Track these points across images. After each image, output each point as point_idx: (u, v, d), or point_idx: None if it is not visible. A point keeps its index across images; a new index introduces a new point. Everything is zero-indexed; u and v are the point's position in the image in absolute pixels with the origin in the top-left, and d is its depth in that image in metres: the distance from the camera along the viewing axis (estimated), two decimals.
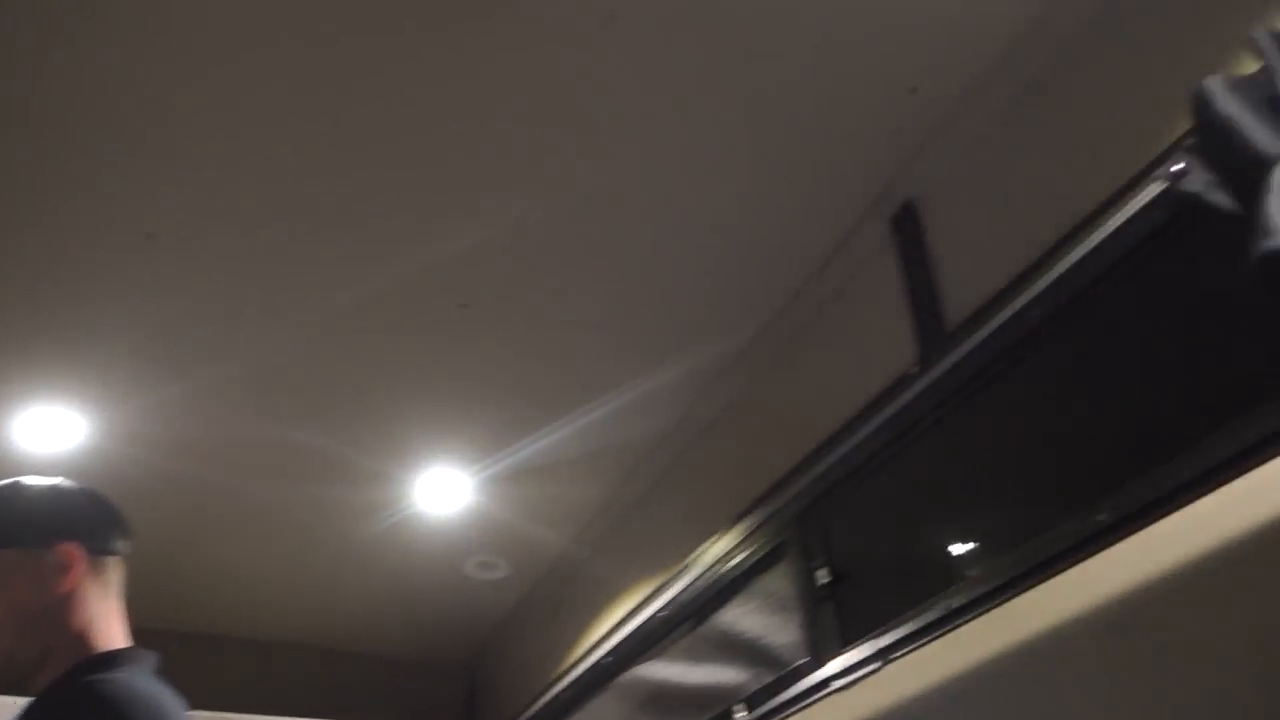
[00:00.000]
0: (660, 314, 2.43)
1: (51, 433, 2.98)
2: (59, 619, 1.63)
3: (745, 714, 1.69)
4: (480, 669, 4.35)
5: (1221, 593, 1.02)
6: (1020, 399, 1.42)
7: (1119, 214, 1.29)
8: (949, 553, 1.45)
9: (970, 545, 1.41)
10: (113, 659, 1.61)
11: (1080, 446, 1.30)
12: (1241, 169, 1.02)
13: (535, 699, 2.64)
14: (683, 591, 2.04)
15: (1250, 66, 1.10)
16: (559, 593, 3.48)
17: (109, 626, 1.70)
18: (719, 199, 2.12)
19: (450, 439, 2.96)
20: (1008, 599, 1.24)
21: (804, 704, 1.56)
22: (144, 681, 1.58)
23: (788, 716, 1.60)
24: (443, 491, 3.15)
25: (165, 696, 1.57)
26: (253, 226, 2.22)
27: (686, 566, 2.08)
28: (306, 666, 4.23)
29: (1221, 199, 1.08)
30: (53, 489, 1.71)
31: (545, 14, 1.71)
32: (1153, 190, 1.24)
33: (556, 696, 2.51)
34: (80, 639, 1.63)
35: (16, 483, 1.69)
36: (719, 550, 1.96)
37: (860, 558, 1.62)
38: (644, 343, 2.52)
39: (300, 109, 1.91)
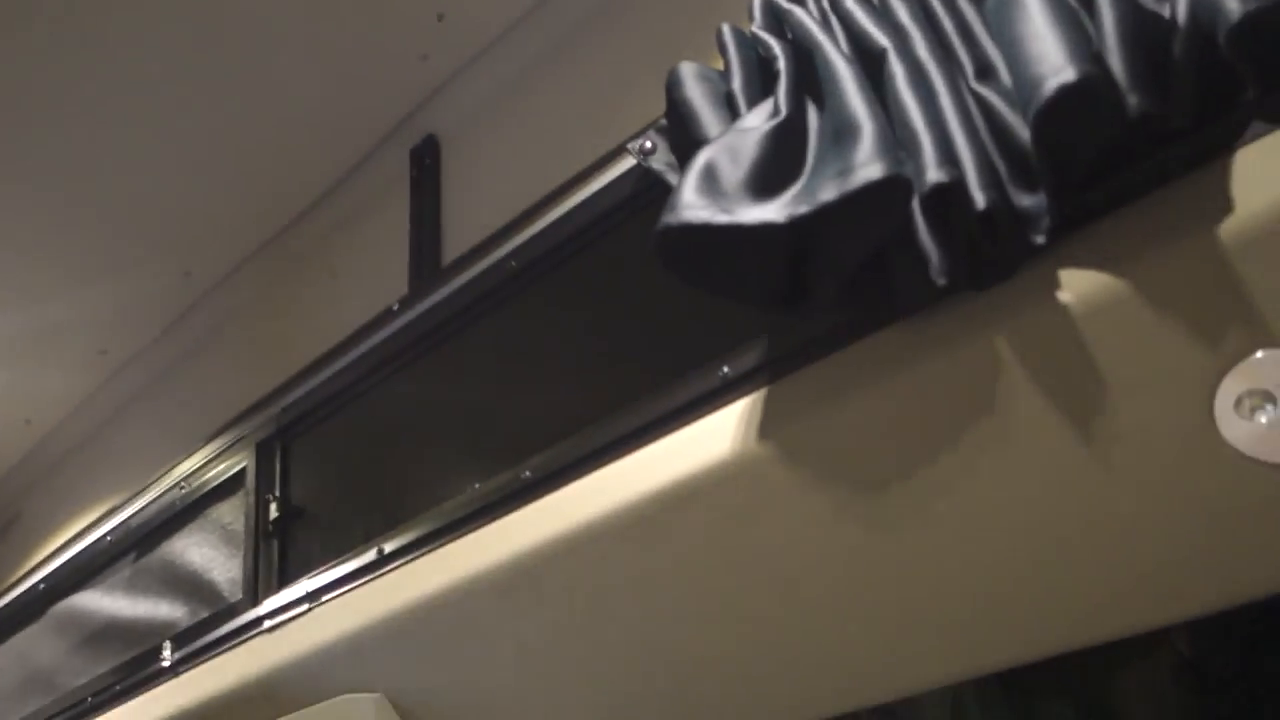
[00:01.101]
0: (152, 207, 2.16)
1: None
2: None
3: (169, 653, 1.56)
4: None
5: (623, 547, 1.07)
6: (491, 347, 1.41)
7: (598, 180, 1.31)
8: (401, 495, 1.42)
9: (421, 489, 1.38)
10: None
11: (534, 398, 1.31)
12: (689, 153, 1.05)
13: None
14: (134, 515, 1.84)
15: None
16: (13, 507, 3.05)
17: None
18: (230, 104, 1.92)
19: None
20: (437, 547, 1.23)
21: (232, 644, 1.47)
22: None
23: (215, 656, 1.49)
24: None
25: None
26: None
27: (147, 487, 1.89)
28: None
29: (675, 179, 1.12)
30: None
31: None
32: (627, 163, 1.27)
33: None
34: None
35: None
36: (181, 472, 1.79)
37: (316, 494, 1.54)
38: (135, 235, 2.24)
39: None
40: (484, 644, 1.20)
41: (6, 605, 2.11)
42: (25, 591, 2.05)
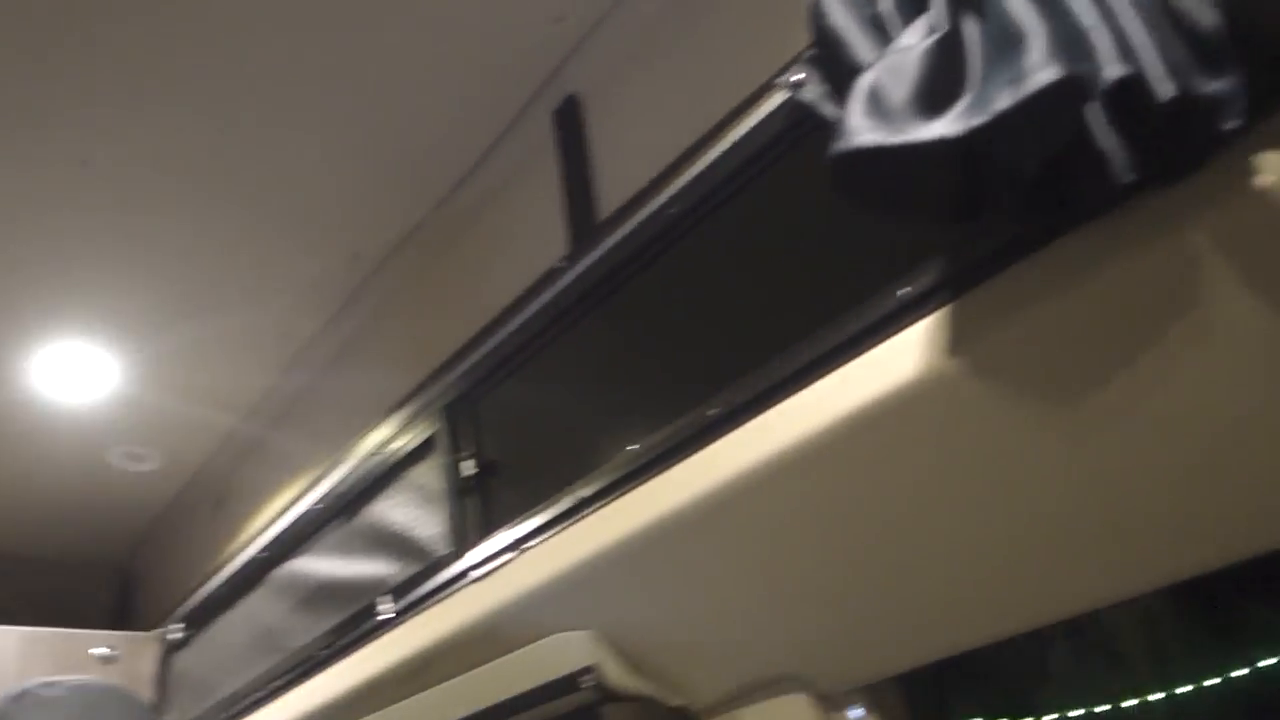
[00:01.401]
0: (319, 197, 2.28)
1: None
2: None
3: (389, 606, 1.68)
4: (134, 566, 4.09)
5: (816, 473, 1.10)
6: (660, 293, 1.45)
7: (751, 118, 1.32)
8: (591, 441, 1.48)
9: (611, 434, 1.43)
10: None
11: (708, 339, 1.35)
12: (843, 80, 1.06)
13: (188, 596, 2.50)
14: (338, 485, 1.98)
15: None
16: (220, 486, 3.30)
17: None
18: (379, 88, 2.01)
19: (85, 315, 2.66)
20: (631, 488, 1.28)
21: (443, 595, 1.57)
22: None
23: (428, 607, 1.60)
24: (80, 372, 2.84)
25: None
26: None
27: (342, 459, 2.02)
28: None
29: (830, 109, 1.12)
30: None
31: None
32: (779, 98, 1.28)
33: (211, 594, 2.39)
34: None
35: None
36: (374, 442, 1.91)
37: (508, 449, 1.62)
38: (302, 226, 2.37)
39: None
40: (686, 575, 1.25)
41: (235, 573, 2.30)
42: (249, 560, 2.23)
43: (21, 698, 1.22)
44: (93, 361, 2.81)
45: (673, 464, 1.21)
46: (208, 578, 2.41)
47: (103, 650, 2.27)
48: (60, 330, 2.69)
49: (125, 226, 2.33)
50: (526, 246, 1.99)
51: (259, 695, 2.11)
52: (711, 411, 1.18)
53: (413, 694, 1.70)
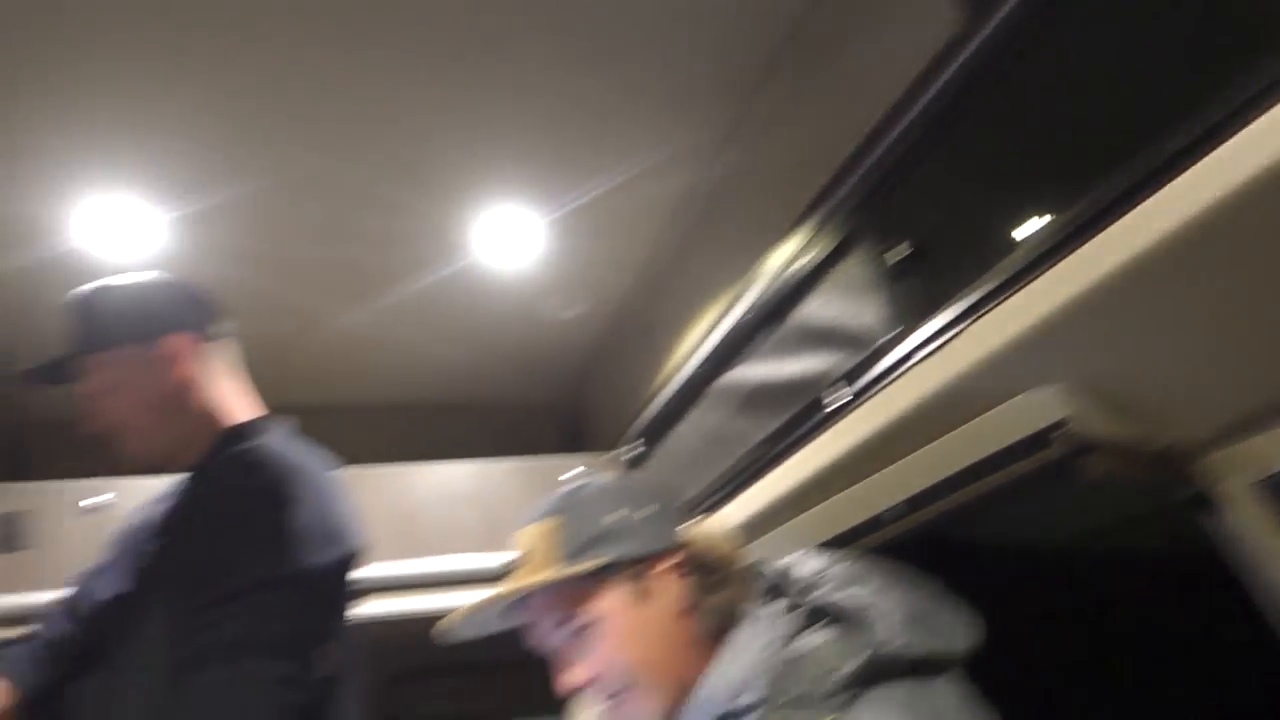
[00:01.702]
0: (694, 27, 2.36)
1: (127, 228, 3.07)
2: (186, 405, 1.77)
3: (836, 395, 1.79)
4: (580, 401, 4.61)
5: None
6: (1072, 55, 1.39)
7: None
8: (1018, 213, 1.48)
9: (1035, 203, 1.43)
10: (250, 429, 1.77)
11: (1135, 91, 1.28)
12: None
13: (634, 420, 2.81)
14: (760, 295, 2.11)
15: None
16: (642, 318, 3.59)
17: (237, 402, 1.85)
18: None
19: (512, 181, 2.97)
20: (1092, 235, 1.26)
21: (894, 376, 1.65)
22: (286, 444, 1.74)
23: (879, 390, 1.69)
24: (512, 235, 3.20)
25: (308, 455, 1.73)
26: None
27: (759, 271, 2.14)
28: (404, 425, 4.50)
29: None
30: (143, 285, 1.81)
31: None
32: None
33: (656, 415, 2.66)
34: (213, 418, 1.78)
35: (105, 284, 1.79)
36: (789, 251, 2.01)
37: (933, 232, 1.65)
38: (689, 59, 2.47)
39: None
40: (1172, 310, 1.19)
41: (675, 392, 2.54)
42: (687, 378, 2.45)
43: (574, 493, 1.47)
44: (522, 223, 3.16)
45: (1136, 203, 1.18)
46: (651, 398, 2.69)
47: (578, 469, 2.62)
48: (493, 197, 3.04)
49: (534, 92, 2.57)
50: (907, 31, 1.95)
51: (720, 495, 2.35)
52: (1174, 143, 1.14)
53: (868, 476, 1.82)
